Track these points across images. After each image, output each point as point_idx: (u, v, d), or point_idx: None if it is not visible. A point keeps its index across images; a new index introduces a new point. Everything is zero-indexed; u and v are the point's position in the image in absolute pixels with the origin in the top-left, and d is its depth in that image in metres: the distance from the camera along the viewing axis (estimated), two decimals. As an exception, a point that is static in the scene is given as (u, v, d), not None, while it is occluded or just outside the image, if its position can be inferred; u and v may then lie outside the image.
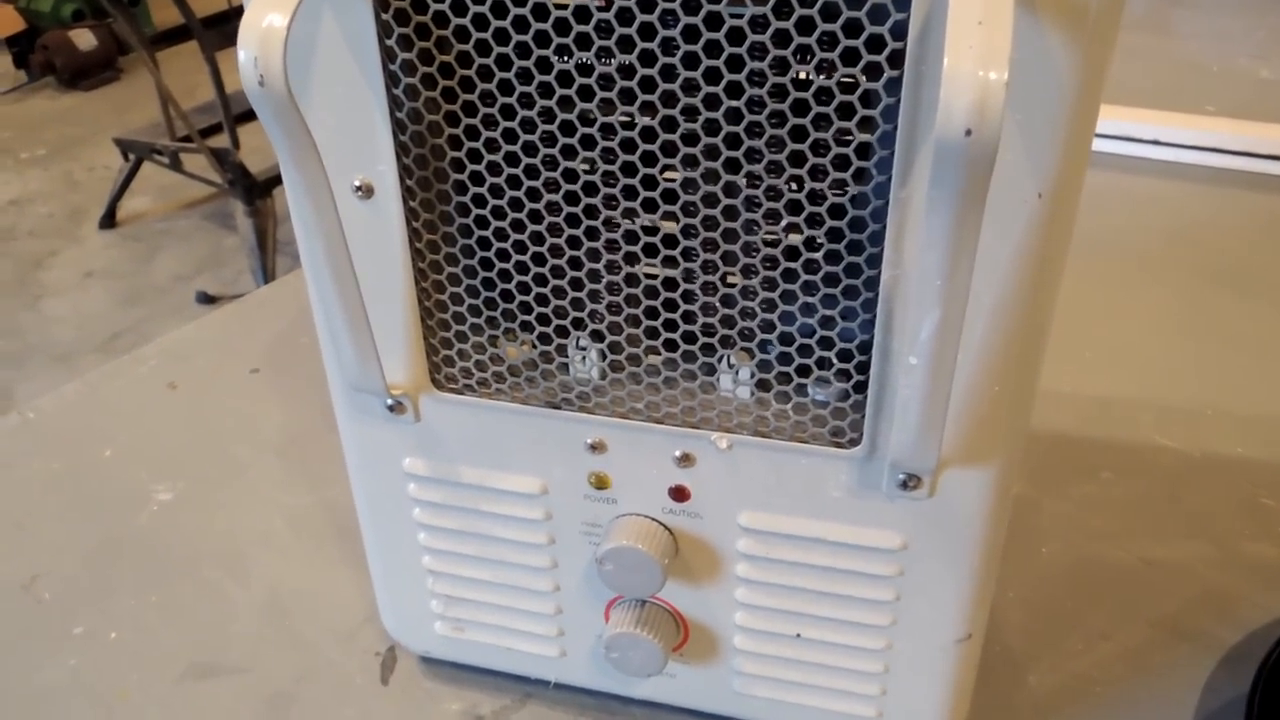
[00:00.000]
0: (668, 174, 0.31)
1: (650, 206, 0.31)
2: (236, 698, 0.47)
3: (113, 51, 3.11)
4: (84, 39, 3.06)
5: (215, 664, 0.49)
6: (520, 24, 0.29)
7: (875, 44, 0.27)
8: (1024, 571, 0.51)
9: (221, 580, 0.53)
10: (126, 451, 0.62)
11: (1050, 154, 0.27)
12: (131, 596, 0.52)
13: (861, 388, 0.32)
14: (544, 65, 0.30)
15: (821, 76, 0.28)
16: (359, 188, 0.33)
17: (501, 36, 0.30)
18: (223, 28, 2.22)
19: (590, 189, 0.31)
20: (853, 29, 0.27)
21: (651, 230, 0.32)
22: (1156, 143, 0.85)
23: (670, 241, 0.32)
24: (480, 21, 0.29)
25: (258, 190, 2.12)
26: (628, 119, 0.30)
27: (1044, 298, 0.30)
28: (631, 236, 0.32)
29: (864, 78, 0.27)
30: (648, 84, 0.29)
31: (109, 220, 2.46)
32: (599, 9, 0.28)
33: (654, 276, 0.33)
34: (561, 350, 0.36)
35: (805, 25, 0.27)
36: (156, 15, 3.08)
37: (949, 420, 0.31)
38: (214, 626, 0.50)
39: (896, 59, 0.27)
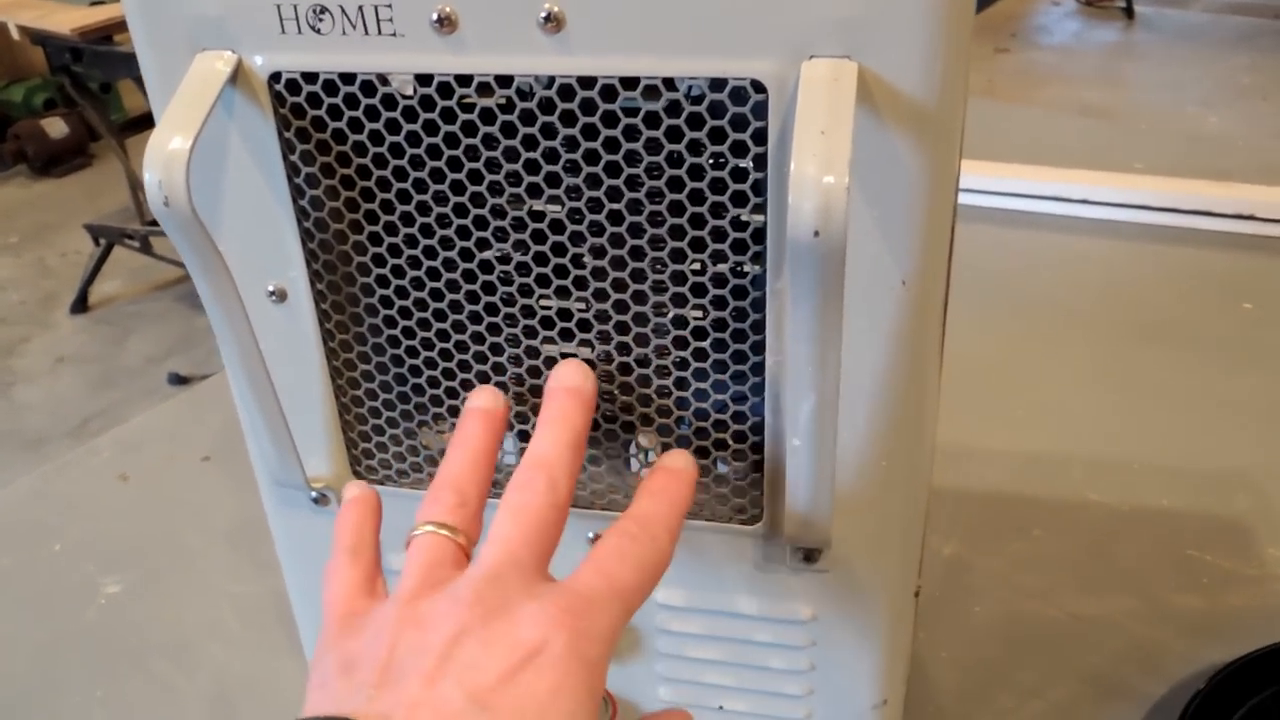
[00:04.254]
0: (567, 253, 0.32)
1: (545, 283, 0.33)
2: (178, 793, 0.47)
3: (84, 138, 3.14)
4: (55, 127, 3.09)
5: (158, 759, 0.49)
6: (412, 138, 0.31)
7: (739, 149, 0.29)
8: (957, 631, 0.52)
9: (169, 672, 0.54)
10: (76, 545, 0.62)
11: (909, 244, 0.29)
12: (78, 693, 0.53)
13: (759, 467, 0.34)
14: (437, 174, 0.31)
15: (694, 182, 0.30)
16: (273, 293, 0.35)
17: (396, 150, 0.31)
18: (191, 113, 2.25)
19: (488, 287, 0.33)
20: (718, 135, 0.29)
21: (552, 318, 0.33)
22: (1086, 201, 0.88)
23: (568, 332, 0.33)
24: (376, 137, 0.31)
25: (228, 270, 2.13)
26: (518, 202, 0.32)
27: (923, 377, 0.32)
28: (531, 321, 0.34)
29: (731, 180, 0.29)
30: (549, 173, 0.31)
31: (81, 305, 2.47)
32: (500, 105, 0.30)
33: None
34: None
35: (674, 133, 0.29)
36: (127, 100, 3.12)
37: (842, 497, 0.33)
38: (158, 721, 0.51)
39: (760, 162, 0.29)
